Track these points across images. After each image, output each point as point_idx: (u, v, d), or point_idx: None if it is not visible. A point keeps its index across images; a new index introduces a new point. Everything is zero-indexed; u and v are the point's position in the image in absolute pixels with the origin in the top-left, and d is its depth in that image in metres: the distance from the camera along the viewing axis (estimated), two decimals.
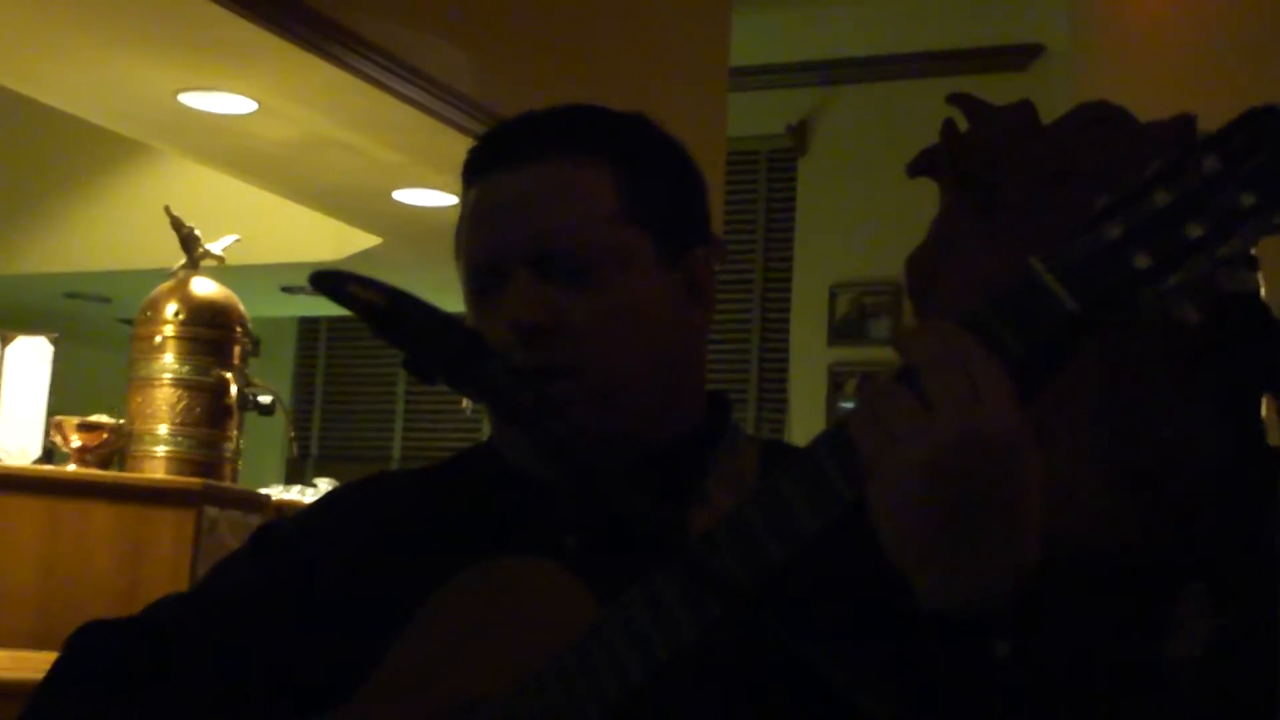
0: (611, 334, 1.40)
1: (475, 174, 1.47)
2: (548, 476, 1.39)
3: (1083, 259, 1.06)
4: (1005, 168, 2.08)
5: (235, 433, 4.10)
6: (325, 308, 7.71)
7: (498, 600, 1.33)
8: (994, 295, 1.09)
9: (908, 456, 1.06)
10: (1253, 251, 1.94)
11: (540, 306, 1.38)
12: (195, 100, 4.67)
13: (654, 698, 1.20)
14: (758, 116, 7.61)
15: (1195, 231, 1.04)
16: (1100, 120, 2.10)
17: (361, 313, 1.19)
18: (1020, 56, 7.26)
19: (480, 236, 1.44)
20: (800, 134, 7.92)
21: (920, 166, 2.19)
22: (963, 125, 2.17)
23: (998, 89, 2.30)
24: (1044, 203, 2.02)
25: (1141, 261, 1.05)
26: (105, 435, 3.92)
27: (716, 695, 1.27)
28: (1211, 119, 2.06)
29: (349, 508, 1.55)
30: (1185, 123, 2.00)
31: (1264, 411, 1.96)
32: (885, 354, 7.52)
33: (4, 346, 3.99)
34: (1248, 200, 1.04)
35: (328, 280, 1.19)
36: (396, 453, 9.12)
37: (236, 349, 4.12)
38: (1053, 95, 4.87)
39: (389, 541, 1.46)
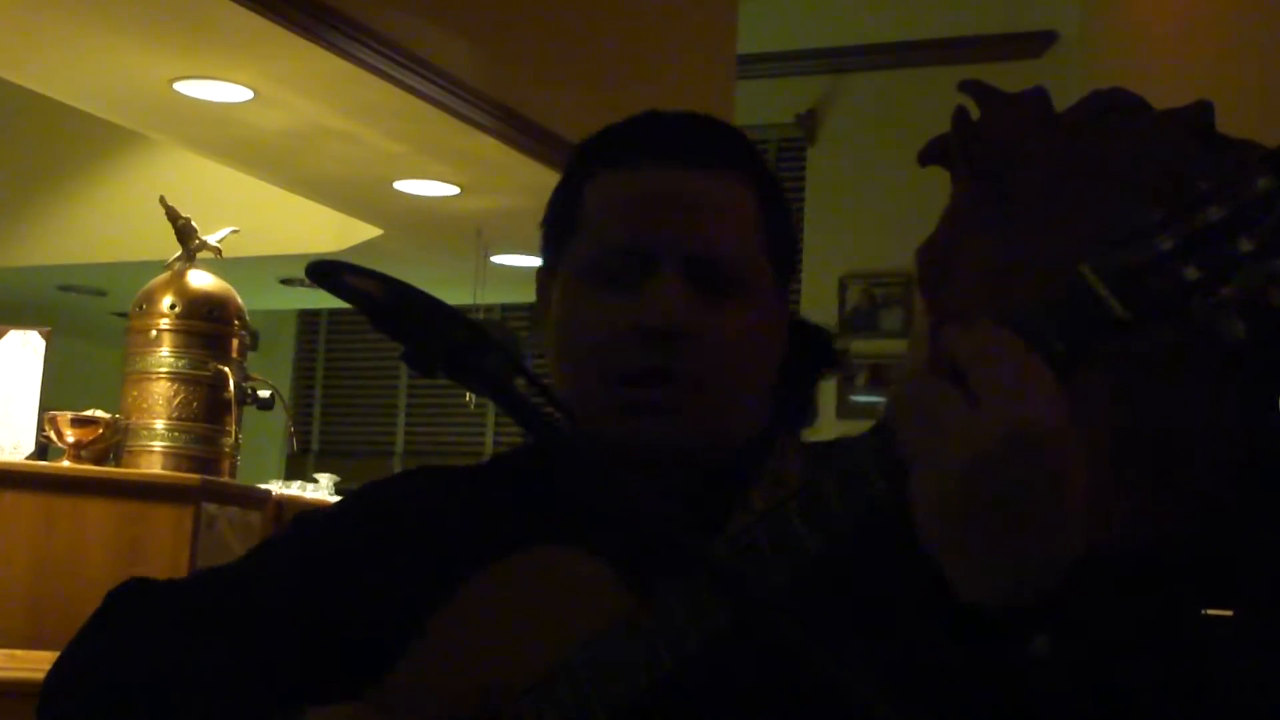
0: (736, 354, 1.41)
1: (622, 161, 1.45)
2: (589, 478, 1.38)
3: (1134, 269, 1.08)
4: (1018, 156, 2.03)
5: (234, 427, 4.07)
6: (325, 300, 7.69)
7: (533, 588, 1.33)
8: (1044, 300, 1.10)
9: (954, 449, 1.06)
10: None
11: (688, 312, 1.38)
12: (191, 89, 4.65)
13: (676, 694, 1.21)
14: (766, 105, 7.57)
15: (1247, 246, 1.06)
16: (1114, 108, 2.06)
17: (359, 304, 1.19)
18: (1033, 43, 7.22)
19: (635, 222, 1.42)
20: (809, 123, 7.88)
21: (931, 155, 2.15)
22: (975, 113, 2.12)
23: (1010, 76, 2.23)
24: (1057, 191, 1.98)
25: (1192, 274, 1.06)
26: (100, 430, 3.89)
27: (741, 695, 1.27)
28: (1228, 104, 2.01)
29: (389, 502, 1.53)
30: (1202, 109, 1.95)
31: None
32: (897, 345, 7.49)
33: None
34: None
35: (324, 271, 1.18)
36: (399, 447, 9.09)
37: (234, 342, 4.09)
38: (1066, 82, 4.80)
39: (428, 537, 1.45)
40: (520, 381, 1.21)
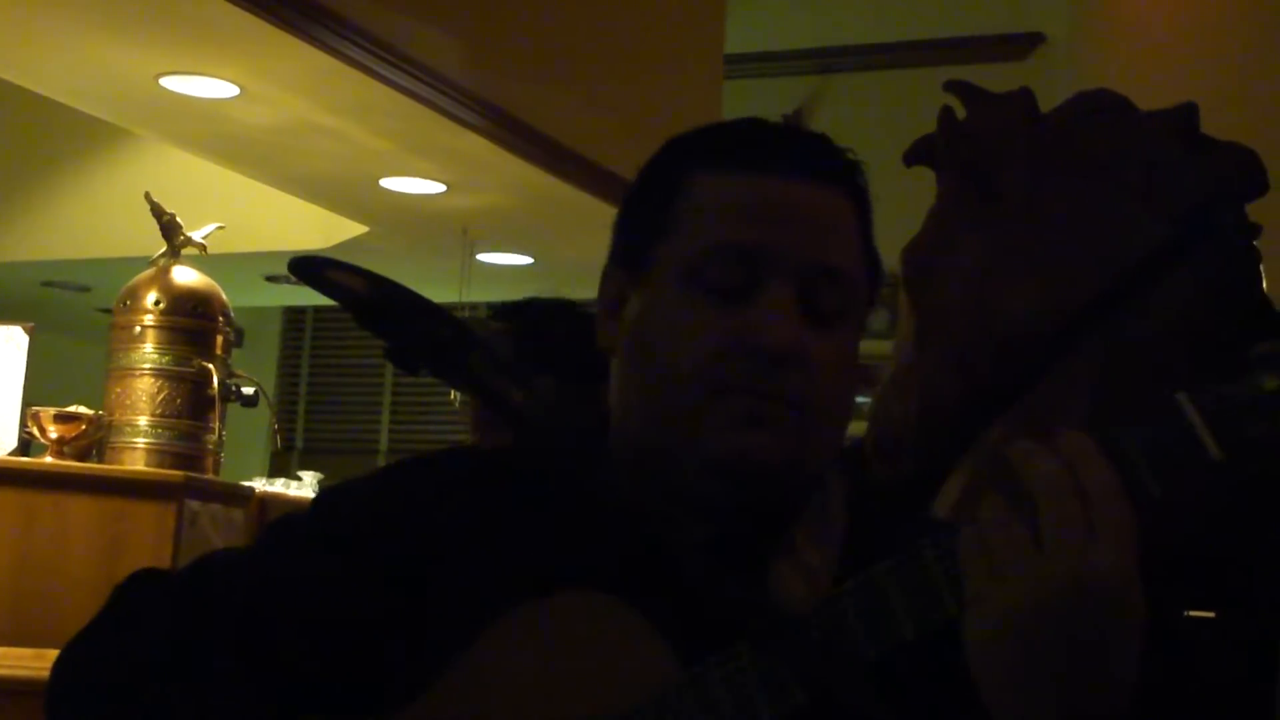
0: (840, 382, 1.35)
1: (735, 164, 1.37)
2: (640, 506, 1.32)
3: (1236, 409, 1.05)
4: (1003, 157, 2.02)
5: (217, 424, 4.05)
6: (311, 297, 7.66)
7: (562, 637, 1.27)
8: (1138, 428, 1.07)
9: (1010, 596, 1.05)
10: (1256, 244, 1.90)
11: (799, 336, 1.31)
12: (176, 84, 4.63)
13: None
14: (752, 105, 7.55)
15: None
16: (1100, 109, 2.06)
17: (342, 300, 1.16)
18: (1020, 45, 7.22)
19: (752, 227, 1.33)
20: (796, 123, 7.85)
21: (917, 155, 2.14)
22: (961, 113, 2.11)
23: (997, 78, 2.23)
24: (1043, 192, 1.98)
25: None
26: (83, 426, 3.87)
27: None
28: (1213, 107, 2.01)
29: (425, 499, 1.43)
30: (1188, 112, 1.95)
31: None
32: (883, 346, 7.47)
33: None
34: None
35: (307, 266, 1.16)
36: (384, 445, 9.08)
37: (218, 339, 4.07)
38: (1053, 85, 4.80)
39: (466, 547, 1.37)
40: (504, 381, 1.19)
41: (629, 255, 1.40)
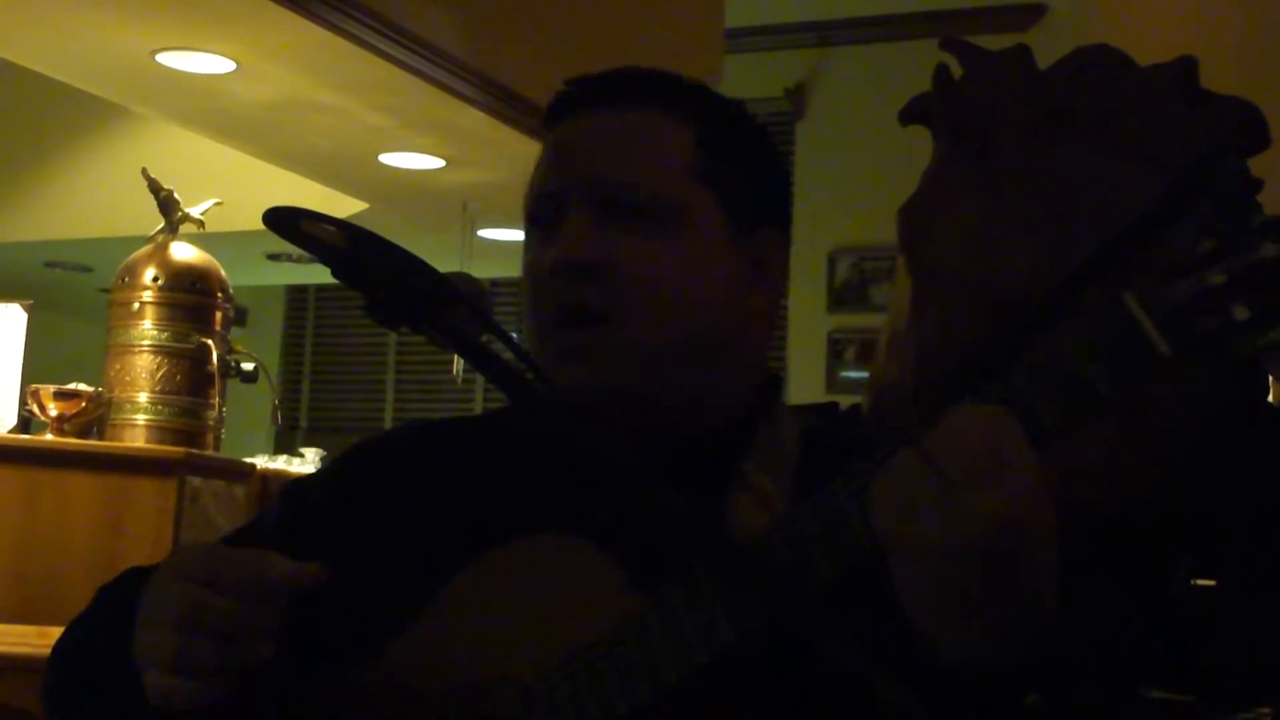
0: (654, 287, 1.36)
1: (553, 120, 1.46)
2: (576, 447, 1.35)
3: (1182, 304, 1.05)
4: (1000, 114, 2.01)
5: (217, 400, 4.03)
6: (314, 275, 7.64)
7: (527, 579, 1.28)
8: (1087, 331, 1.08)
9: (925, 538, 1.05)
10: None
11: (590, 244, 1.35)
12: (173, 60, 4.60)
13: (684, 701, 1.18)
14: (754, 79, 7.54)
15: None
16: (1098, 64, 2.04)
17: (317, 252, 1.14)
18: (1022, 16, 7.19)
19: (546, 172, 1.42)
20: (798, 97, 7.85)
21: (912, 114, 2.13)
22: (957, 72, 2.10)
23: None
24: (1040, 150, 1.96)
25: (1240, 312, 1.04)
26: (83, 403, 3.86)
27: (750, 703, 1.23)
28: (1216, 76, 1.99)
29: (381, 462, 1.50)
30: (1187, 65, 1.93)
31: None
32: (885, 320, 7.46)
33: None
34: None
35: (280, 218, 1.14)
36: (387, 423, 9.08)
37: (218, 314, 4.05)
38: (1055, 56, 4.78)
39: (421, 507, 1.42)
40: (488, 337, 1.18)
41: None
